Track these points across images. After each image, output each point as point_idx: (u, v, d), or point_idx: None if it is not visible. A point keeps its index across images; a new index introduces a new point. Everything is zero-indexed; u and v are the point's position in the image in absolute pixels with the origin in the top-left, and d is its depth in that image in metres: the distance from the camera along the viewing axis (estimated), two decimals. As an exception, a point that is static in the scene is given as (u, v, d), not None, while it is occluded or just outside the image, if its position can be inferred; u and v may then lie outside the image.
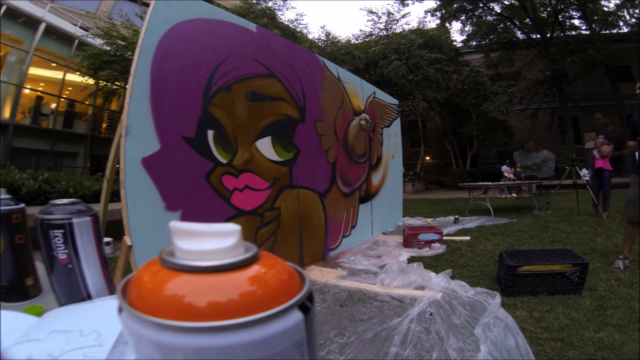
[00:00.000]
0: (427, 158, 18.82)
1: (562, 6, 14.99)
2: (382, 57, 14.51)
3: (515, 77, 16.24)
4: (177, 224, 0.17)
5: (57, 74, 13.60)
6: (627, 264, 2.71)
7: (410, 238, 3.62)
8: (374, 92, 4.68)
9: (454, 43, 17.43)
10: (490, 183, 7.04)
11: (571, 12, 15.56)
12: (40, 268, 0.56)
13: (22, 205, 0.56)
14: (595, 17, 15.16)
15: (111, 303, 0.42)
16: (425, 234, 3.58)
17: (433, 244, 3.51)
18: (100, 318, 0.37)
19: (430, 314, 1.92)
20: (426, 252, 3.40)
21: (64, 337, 0.33)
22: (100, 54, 11.05)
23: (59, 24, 13.07)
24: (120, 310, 0.16)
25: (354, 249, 3.66)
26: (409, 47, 13.74)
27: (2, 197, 0.54)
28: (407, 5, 16.60)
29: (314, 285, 2.55)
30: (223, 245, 0.17)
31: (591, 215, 5.22)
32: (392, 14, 16.76)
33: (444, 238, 4.14)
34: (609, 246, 3.35)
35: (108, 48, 10.98)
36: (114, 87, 12.79)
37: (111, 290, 0.49)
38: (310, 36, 16.13)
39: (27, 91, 12.57)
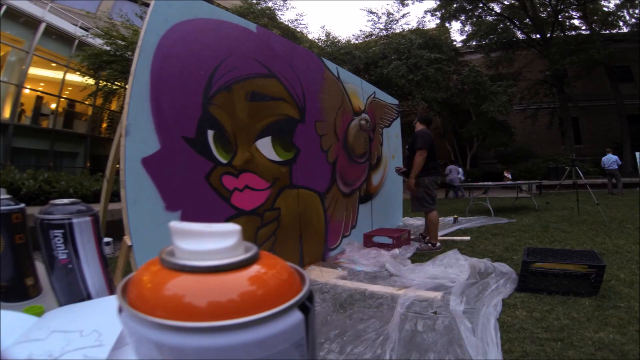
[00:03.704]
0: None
1: (562, 6, 15.00)
2: (382, 57, 14.50)
3: (515, 77, 16.24)
4: (177, 224, 0.17)
5: (57, 74, 13.59)
6: (431, 246, 3.62)
7: (365, 240, 3.71)
8: (374, 92, 4.68)
9: (454, 43, 17.43)
10: (490, 183, 7.04)
11: (571, 12, 15.57)
12: (40, 268, 0.56)
13: (22, 205, 0.56)
14: (595, 17, 15.17)
15: (110, 302, 0.42)
16: (378, 237, 3.62)
17: (392, 250, 3.40)
18: (100, 318, 0.37)
19: (435, 313, 1.92)
20: (383, 256, 3.21)
21: (64, 337, 0.33)
22: (100, 54, 11.04)
23: (59, 24, 13.05)
24: (120, 310, 0.16)
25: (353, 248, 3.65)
26: (408, 47, 13.74)
27: (2, 197, 0.54)
28: (407, 5, 16.61)
29: (314, 285, 2.55)
30: (223, 245, 0.17)
31: None
32: (392, 14, 16.77)
33: (444, 238, 4.15)
34: (609, 246, 3.35)
35: (108, 48, 10.97)
36: (114, 87, 12.78)
37: (111, 291, 0.49)
38: (310, 36, 16.15)
39: (27, 91, 12.57)
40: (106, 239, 3.50)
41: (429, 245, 3.66)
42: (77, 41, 13.43)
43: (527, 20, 16.06)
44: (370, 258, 3.22)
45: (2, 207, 0.52)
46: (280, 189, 2.83)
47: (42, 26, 12.46)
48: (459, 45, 17.64)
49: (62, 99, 13.96)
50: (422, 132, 3.66)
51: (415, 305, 2.04)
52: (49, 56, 13.11)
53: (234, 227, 0.17)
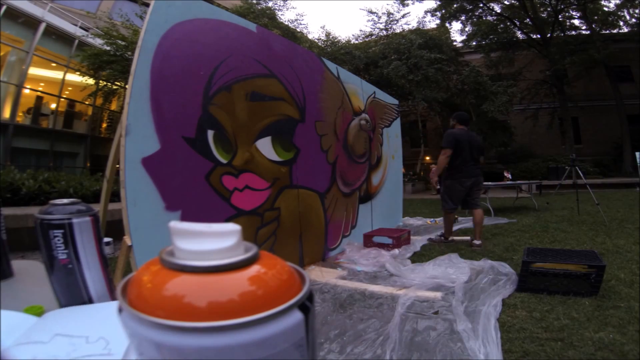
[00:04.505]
0: (427, 158, 18.81)
1: (562, 6, 14.99)
2: (382, 57, 14.49)
3: (516, 77, 16.22)
4: (177, 224, 0.17)
5: (57, 74, 13.60)
6: (442, 239, 3.88)
7: (365, 240, 3.71)
8: (374, 92, 4.68)
9: (454, 43, 17.42)
10: (490, 183, 7.03)
11: (571, 12, 15.56)
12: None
13: None
14: (595, 17, 15.15)
15: (113, 307, 0.41)
16: (378, 237, 3.63)
17: (392, 250, 3.41)
18: (105, 324, 0.36)
19: (435, 313, 1.92)
20: (383, 256, 3.21)
21: (69, 341, 0.32)
22: (100, 54, 11.05)
23: (59, 24, 13.06)
24: (120, 310, 0.16)
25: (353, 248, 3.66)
26: (408, 47, 13.72)
27: None
28: (407, 5, 16.59)
29: (314, 285, 2.55)
30: (223, 245, 0.17)
31: None
32: (392, 14, 16.75)
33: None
34: (609, 246, 3.35)
35: (108, 48, 10.97)
36: (114, 87, 12.79)
37: (111, 291, 0.49)
38: (310, 36, 16.13)
39: (27, 91, 12.57)
40: (106, 239, 3.49)
41: (441, 238, 3.90)
42: (77, 41, 13.43)
43: (527, 20, 16.05)
44: (370, 258, 3.22)
45: None
46: (280, 189, 2.83)
47: (42, 26, 12.47)
48: (459, 45, 17.63)
49: (62, 99, 13.97)
50: (448, 131, 3.73)
51: (416, 306, 2.04)
52: (49, 56, 13.11)
53: (234, 227, 0.17)
